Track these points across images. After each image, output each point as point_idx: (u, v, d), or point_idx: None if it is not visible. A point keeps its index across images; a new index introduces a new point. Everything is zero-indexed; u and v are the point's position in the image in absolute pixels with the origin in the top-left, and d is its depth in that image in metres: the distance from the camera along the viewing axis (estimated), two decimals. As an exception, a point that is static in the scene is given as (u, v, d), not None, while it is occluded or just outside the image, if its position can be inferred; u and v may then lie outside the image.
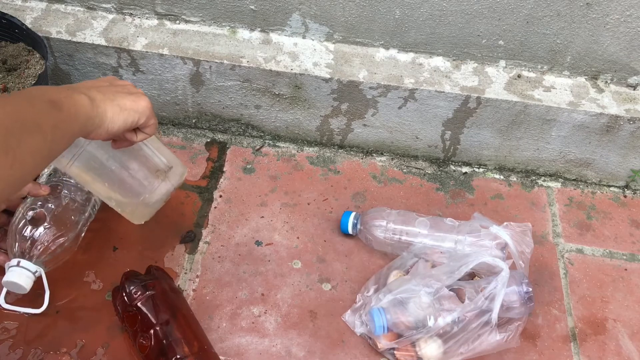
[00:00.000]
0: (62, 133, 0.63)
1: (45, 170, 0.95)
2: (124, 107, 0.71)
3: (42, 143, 0.59)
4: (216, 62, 1.05)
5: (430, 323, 0.85)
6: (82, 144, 0.80)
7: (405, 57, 1.09)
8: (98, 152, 0.82)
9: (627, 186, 1.19)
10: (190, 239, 1.01)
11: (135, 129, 0.76)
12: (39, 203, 0.88)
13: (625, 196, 1.18)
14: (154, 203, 0.88)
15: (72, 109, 0.64)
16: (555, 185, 1.18)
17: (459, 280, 0.88)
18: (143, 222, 0.90)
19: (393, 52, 1.10)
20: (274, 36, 1.09)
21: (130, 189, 0.86)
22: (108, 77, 0.77)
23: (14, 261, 0.84)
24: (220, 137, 1.17)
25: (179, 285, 0.95)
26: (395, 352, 0.89)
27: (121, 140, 0.78)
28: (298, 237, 1.03)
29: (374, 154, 1.18)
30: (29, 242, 0.85)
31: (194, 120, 1.17)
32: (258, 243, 1.02)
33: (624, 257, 1.07)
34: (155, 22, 1.09)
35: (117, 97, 0.71)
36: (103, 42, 1.05)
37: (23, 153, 0.56)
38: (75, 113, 0.64)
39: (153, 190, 0.86)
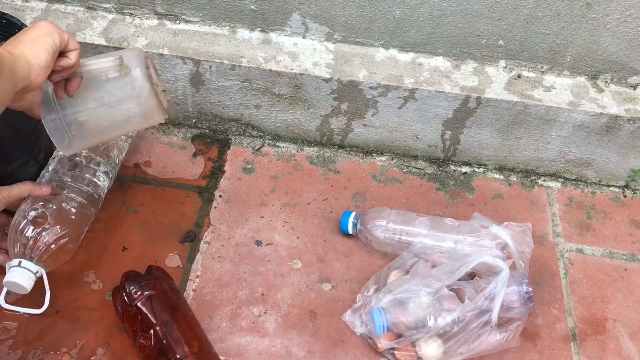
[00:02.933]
0: None
1: (50, 167, 0.95)
2: (32, 39, 0.70)
3: None
4: (216, 62, 1.05)
5: (430, 323, 0.85)
6: (58, 119, 0.79)
7: (405, 57, 1.09)
8: (73, 110, 0.80)
9: (627, 186, 1.19)
10: (191, 239, 1.01)
11: (62, 55, 0.74)
12: (40, 203, 0.88)
13: (625, 196, 1.18)
14: (149, 93, 0.82)
15: None
16: (555, 185, 1.18)
17: (459, 280, 0.88)
18: (165, 116, 0.86)
19: (393, 52, 1.10)
20: (274, 36, 1.09)
21: (121, 104, 0.82)
22: None
23: (15, 261, 0.84)
24: (220, 137, 1.17)
25: (179, 285, 0.95)
26: (395, 352, 0.89)
27: (69, 79, 0.76)
28: (298, 237, 1.03)
29: (374, 154, 1.18)
30: (31, 242, 0.85)
31: (194, 120, 1.17)
32: (258, 243, 1.02)
33: (624, 257, 1.07)
34: (155, 22, 1.09)
35: (21, 37, 0.71)
36: (103, 42, 1.05)
37: None
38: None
39: (134, 86, 0.81)
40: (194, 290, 0.95)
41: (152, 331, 0.81)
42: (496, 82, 1.08)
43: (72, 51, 0.74)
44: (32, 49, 0.69)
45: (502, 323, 0.89)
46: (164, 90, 0.88)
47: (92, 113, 0.81)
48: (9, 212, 0.89)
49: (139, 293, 0.83)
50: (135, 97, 0.81)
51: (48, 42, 0.70)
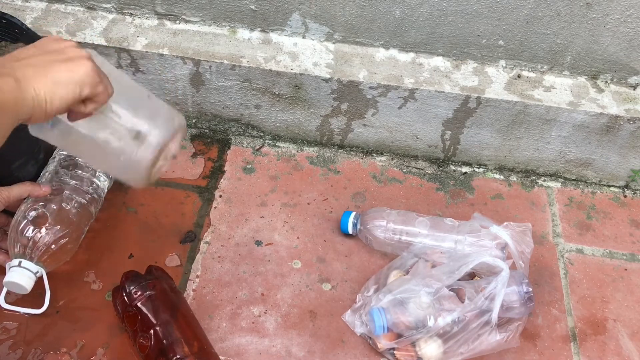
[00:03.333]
0: None
1: (50, 167, 0.95)
2: (58, 80, 0.59)
3: None
4: (216, 62, 1.05)
5: (430, 323, 0.85)
6: (45, 128, 0.68)
7: (405, 57, 1.09)
8: (63, 126, 0.68)
9: (627, 186, 1.19)
10: (191, 239, 1.01)
11: (85, 100, 0.62)
12: (41, 203, 0.88)
13: (625, 196, 1.18)
14: (145, 167, 0.71)
15: None
16: (555, 185, 1.18)
17: (459, 280, 0.88)
18: (147, 185, 0.74)
19: (393, 52, 1.10)
20: (274, 36, 1.09)
21: (112, 154, 0.71)
22: (47, 39, 0.64)
23: (15, 261, 0.84)
24: (220, 137, 1.17)
25: (179, 285, 0.95)
26: (395, 352, 0.89)
27: (74, 113, 0.64)
28: (298, 237, 1.03)
29: (374, 154, 1.18)
30: (31, 242, 0.85)
31: (194, 120, 1.17)
32: (258, 243, 1.02)
33: (624, 257, 1.07)
34: (155, 22, 1.09)
35: (51, 69, 0.60)
36: (103, 42, 1.05)
37: None
38: (1, 105, 0.55)
39: (134, 158, 0.70)
40: (194, 290, 0.95)
41: (152, 331, 0.81)
42: (496, 82, 1.08)
43: (93, 103, 0.63)
44: (50, 94, 0.59)
45: (502, 323, 0.89)
46: (174, 157, 0.77)
47: (81, 140, 0.70)
48: (9, 212, 0.89)
49: (139, 293, 0.83)
50: (130, 159, 0.70)
51: (72, 92, 0.60)
